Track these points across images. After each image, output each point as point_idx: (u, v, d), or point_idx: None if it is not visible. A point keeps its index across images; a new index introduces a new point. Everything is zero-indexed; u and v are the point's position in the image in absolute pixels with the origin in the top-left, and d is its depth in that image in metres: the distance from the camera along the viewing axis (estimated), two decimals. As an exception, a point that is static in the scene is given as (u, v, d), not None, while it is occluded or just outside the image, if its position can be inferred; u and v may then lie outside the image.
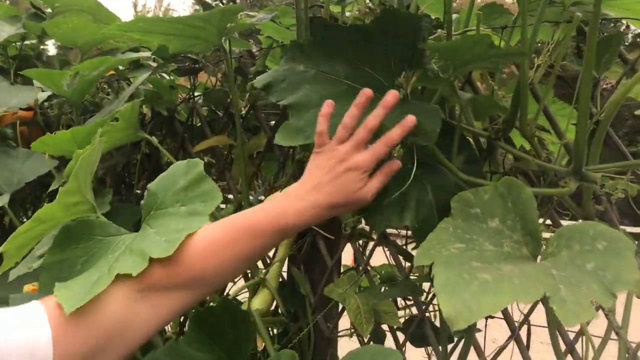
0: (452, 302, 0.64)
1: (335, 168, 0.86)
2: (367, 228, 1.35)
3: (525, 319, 1.06)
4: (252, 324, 0.95)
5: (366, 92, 0.88)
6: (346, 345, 1.37)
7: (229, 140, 1.49)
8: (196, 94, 1.67)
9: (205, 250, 0.83)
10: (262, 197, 1.43)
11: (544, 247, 0.77)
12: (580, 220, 0.96)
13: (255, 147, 1.50)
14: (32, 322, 0.73)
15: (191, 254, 0.82)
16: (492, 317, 1.06)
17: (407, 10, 1.10)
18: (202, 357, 0.97)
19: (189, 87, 1.68)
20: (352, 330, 1.28)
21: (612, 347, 0.96)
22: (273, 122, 1.62)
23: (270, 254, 1.38)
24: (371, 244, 1.42)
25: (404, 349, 1.21)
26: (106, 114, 1.42)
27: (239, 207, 1.43)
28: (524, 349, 1.05)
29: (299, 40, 1.18)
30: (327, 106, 0.90)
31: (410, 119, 0.86)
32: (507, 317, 1.07)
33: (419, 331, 1.19)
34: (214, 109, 1.70)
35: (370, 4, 1.30)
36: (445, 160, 0.92)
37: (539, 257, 0.76)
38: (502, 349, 1.07)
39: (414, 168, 0.87)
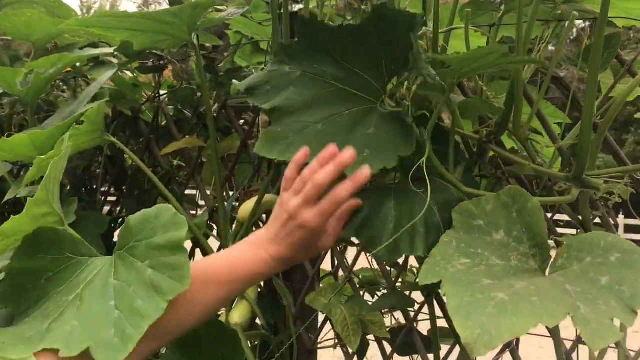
0: (469, 326, 0.60)
1: (288, 224, 0.85)
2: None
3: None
4: (240, 342, 0.89)
5: (331, 149, 0.82)
6: (326, 354, 1.32)
7: (200, 142, 1.41)
8: (161, 92, 1.58)
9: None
10: (236, 203, 1.36)
11: (553, 259, 0.73)
12: (579, 230, 0.93)
13: (228, 149, 1.42)
14: None
15: None
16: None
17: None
18: (184, 380, 0.91)
19: (153, 85, 1.59)
20: (336, 341, 1.23)
21: (612, 356, 0.94)
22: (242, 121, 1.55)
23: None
24: (350, 249, 1.37)
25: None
26: (66, 115, 1.32)
27: (212, 213, 1.36)
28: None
29: (278, 39, 1.12)
30: (302, 154, 0.85)
31: (364, 171, 0.82)
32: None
33: (406, 340, 1.15)
34: (180, 108, 1.62)
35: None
36: (450, 176, 0.86)
37: (547, 270, 0.72)
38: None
39: (429, 193, 0.80)
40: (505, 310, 0.62)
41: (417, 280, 0.71)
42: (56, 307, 0.80)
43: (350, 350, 1.17)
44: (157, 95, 1.56)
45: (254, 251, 0.86)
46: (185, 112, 1.62)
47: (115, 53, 1.43)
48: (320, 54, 0.92)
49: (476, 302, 0.63)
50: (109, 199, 1.67)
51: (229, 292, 0.84)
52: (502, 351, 1.07)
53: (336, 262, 1.48)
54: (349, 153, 0.81)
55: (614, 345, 0.96)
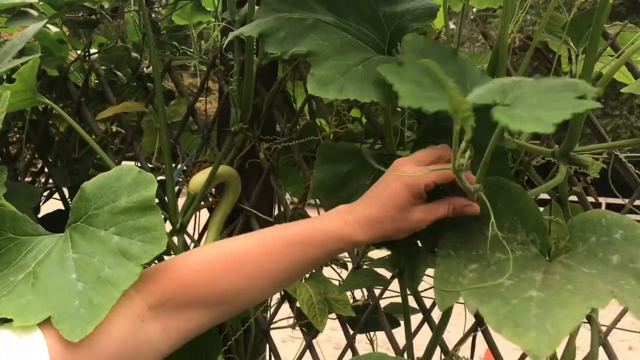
0: (522, 333, 0.55)
1: (384, 178, 0.74)
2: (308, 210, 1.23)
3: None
4: (216, 331, 0.81)
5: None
6: (276, 335, 1.26)
7: (140, 107, 1.29)
8: (92, 50, 1.43)
9: (228, 264, 0.68)
10: (181, 178, 1.25)
11: (554, 242, 0.70)
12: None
13: (173, 115, 1.31)
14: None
15: (214, 266, 0.66)
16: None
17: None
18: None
19: (82, 42, 1.43)
20: (295, 321, 1.17)
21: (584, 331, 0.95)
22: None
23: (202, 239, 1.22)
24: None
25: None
26: (-16, 72, 1.15)
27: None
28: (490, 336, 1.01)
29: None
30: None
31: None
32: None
33: (371, 317, 1.12)
34: (112, 69, 1.47)
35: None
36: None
37: (550, 253, 0.70)
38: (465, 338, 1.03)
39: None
40: (549, 306, 0.58)
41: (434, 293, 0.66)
42: (2, 287, 0.68)
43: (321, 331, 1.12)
44: (87, 54, 1.41)
45: (331, 215, 0.75)
46: (117, 73, 1.48)
47: (39, 3, 1.27)
48: (314, 4, 0.83)
49: (515, 309, 0.58)
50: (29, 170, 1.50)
51: (305, 255, 0.72)
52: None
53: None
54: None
55: (586, 321, 0.97)
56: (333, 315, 1.16)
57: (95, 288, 0.64)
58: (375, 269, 1.03)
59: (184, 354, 0.82)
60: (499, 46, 0.89)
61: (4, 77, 1.35)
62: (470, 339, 1.08)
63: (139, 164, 1.32)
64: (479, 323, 1.01)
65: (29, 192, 1.09)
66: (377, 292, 1.13)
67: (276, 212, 1.30)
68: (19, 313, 0.63)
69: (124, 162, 1.38)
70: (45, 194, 1.39)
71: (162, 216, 0.70)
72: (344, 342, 1.15)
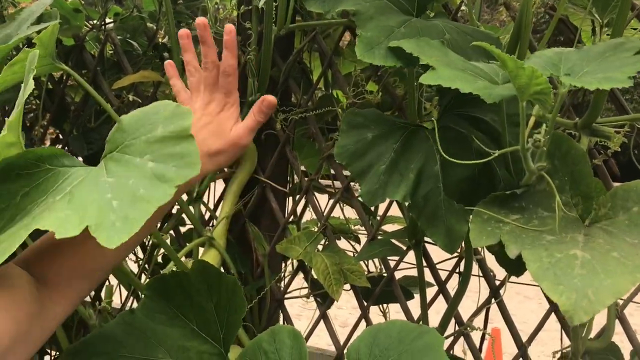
0: (563, 291, 0.55)
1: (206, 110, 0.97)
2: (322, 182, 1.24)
3: (504, 282, 1.02)
4: (240, 291, 0.81)
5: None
6: (292, 311, 1.27)
7: (157, 76, 1.29)
8: (107, 20, 1.42)
9: None
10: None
11: (595, 209, 0.70)
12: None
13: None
14: None
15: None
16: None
17: None
18: (170, 332, 0.82)
19: (96, 11, 1.42)
20: (309, 291, 1.18)
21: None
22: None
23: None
24: (320, 197, 1.32)
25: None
26: (1, 39, 1.15)
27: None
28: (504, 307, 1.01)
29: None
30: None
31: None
32: (486, 277, 1.03)
33: (385, 289, 1.12)
34: (128, 40, 1.46)
35: None
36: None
37: (588, 220, 0.70)
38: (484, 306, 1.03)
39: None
40: (594, 270, 0.58)
41: (471, 240, 0.66)
42: (43, 209, 0.69)
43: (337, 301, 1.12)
44: (103, 23, 1.40)
45: None
46: (133, 43, 1.47)
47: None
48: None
49: (559, 263, 0.59)
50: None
51: None
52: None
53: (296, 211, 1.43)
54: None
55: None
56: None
57: (131, 205, 0.65)
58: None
59: (208, 314, 0.83)
60: (521, 18, 0.88)
61: (20, 46, 1.35)
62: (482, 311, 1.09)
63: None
64: (495, 295, 1.01)
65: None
66: (391, 264, 1.13)
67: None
68: (59, 224, 0.63)
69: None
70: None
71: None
72: (350, 320, 1.16)
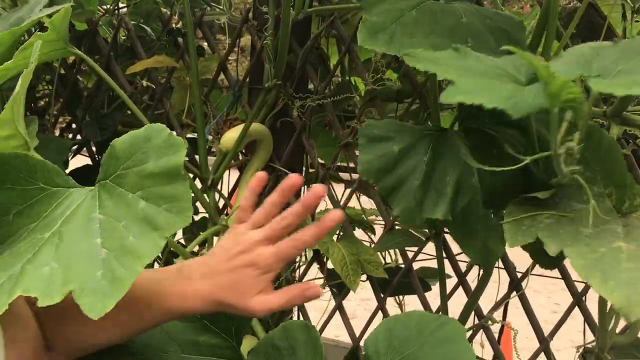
0: (614, 288, 0.53)
1: (237, 258, 0.71)
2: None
3: (526, 274, 1.00)
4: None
5: (293, 179, 0.70)
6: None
7: (172, 62, 1.26)
8: (120, 5, 1.40)
9: None
10: (211, 136, 1.23)
11: (629, 199, 0.67)
12: None
13: (204, 71, 1.28)
14: None
15: None
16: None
17: None
18: (181, 326, 0.80)
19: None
20: (324, 281, 1.16)
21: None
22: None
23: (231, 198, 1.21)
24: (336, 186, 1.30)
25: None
26: (14, 22, 1.14)
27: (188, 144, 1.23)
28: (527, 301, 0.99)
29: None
30: (257, 181, 0.74)
31: (332, 216, 0.68)
32: (508, 269, 1.00)
33: (404, 281, 1.10)
34: (142, 24, 1.44)
35: None
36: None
37: (624, 209, 0.67)
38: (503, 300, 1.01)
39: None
40: None
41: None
42: (30, 246, 0.67)
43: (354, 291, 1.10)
44: (116, 7, 1.38)
45: (177, 282, 0.72)
46: (147, 29, 1.45)
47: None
48: None
49: (604, 258, 0.56)
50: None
51: (137, 323, 0.72)
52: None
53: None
54: (316, 194, 0.67)
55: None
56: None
57: (119, 258, 0.63)
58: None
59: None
60: (549, 4, 0.85)
61: (33, 30, 1.33)
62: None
63: (170, 124, 1.30)
64: (516, 288, 0.99)
65: (58, 145, 1.08)
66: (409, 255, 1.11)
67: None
68: (43, 288, 0.62)
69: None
70: (76, 148, 1.38)
71: (188, 184, 0.68)
72: (358, 311, 1.14)
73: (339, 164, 1.27)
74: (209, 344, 0.79)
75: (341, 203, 1.15)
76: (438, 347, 0.64)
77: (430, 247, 1.14)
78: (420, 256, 1.14)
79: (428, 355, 0.64)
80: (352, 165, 1.26)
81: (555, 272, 0.99)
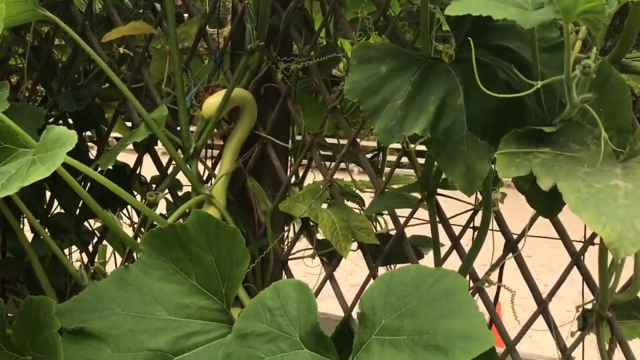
0: (606, 223, 0.50)
1: None
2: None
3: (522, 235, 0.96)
4: (241, 242, 0.75)
5: None
6: (295, 269, 1.22)
7: (149, 28, 1.21)
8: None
9: None
10: (192, 104, 1.19)
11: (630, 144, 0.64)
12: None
13: (184, 36, 1.23)
14: None
15: None
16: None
17: None
18: (168, 288, 0.76)
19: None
20: (314, 251, 1.12)
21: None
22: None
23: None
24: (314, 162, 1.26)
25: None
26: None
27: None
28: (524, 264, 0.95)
29: None
30: None
31: None
32: (503, 230, 0.97)
33: (396, 249, 1.07)
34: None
35: None
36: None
37: (624, 155, 0.64)
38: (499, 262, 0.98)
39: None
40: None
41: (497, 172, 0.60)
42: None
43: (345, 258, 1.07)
44: (90, -25, 1.32)
45: None
46: (122, -2, 1.40)
47: None
48: None
49: (600, 194, 0.53)
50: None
51: None
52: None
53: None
54: None
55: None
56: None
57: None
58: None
59: (208, 268, 0.77)
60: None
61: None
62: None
63: (148, 93, 1.25)
64: (512, 249, 0.96)
65: (32, 113, 1.03)
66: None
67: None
68: None
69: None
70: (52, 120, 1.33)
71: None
72: (345, 285, 1.10)
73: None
74: (198, 306, 0.75)
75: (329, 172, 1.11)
76: (437, 301, 0.61)
77: (422, 213, 1.11)
78: (412, 225, 1.10)
79: (427, 309, 0.60)
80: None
81: (553, 232, 0.96)
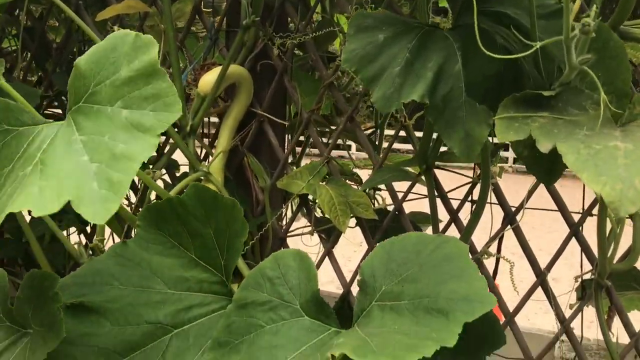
0: (606, 182, 0.50)
1: None
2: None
3: (521, 206, 0.96)
4: (240, 213, 0.75)
5: None
6: (295, 246, 1.22)
7: (144, 6, 1.20)
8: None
9: None
10: (190, 78, 1.18)
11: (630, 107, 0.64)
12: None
13: (179, 14, 1.22)
14: None
15: None
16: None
17: None
18: (166, 262, 0.76)
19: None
20: (313, 228, 1.12)
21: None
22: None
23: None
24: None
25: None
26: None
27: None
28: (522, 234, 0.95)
29: None
30: None
31: None
32: (502, 202, 0.97)
33: (394, 225, 1.06)
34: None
35: None
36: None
37: (623, 119, 0.63)
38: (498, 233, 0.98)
39: None
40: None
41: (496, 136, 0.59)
42: (13, 185, 0.63)
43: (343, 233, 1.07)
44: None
45: None
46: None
47: None
48: None
49: (599, 154, 0.53)
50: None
51: None
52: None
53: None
54: None
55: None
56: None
57: (111, 165, 0.59)
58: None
59: (207, 241, 0.76)
60: None
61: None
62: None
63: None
64: (510, 221, 0.96)
65: (26, 92, 1.01)
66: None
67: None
68: (33, 203, 0.58)
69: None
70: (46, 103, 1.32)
71: (168, 78, 0.64)
72: (341, 262, 1.10)
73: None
74: (198, 279, 0.75)
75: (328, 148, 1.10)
76: (438, 266, 0.61)
77: (420, 190, 1.11)
78: (411, 200, 1.10)
79: (428, 274, 0.60)
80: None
81: (552, 205, 0.96)
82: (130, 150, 0.60)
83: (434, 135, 0.87)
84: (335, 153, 1.11)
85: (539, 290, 0.94)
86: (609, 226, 0.84)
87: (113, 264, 0.77)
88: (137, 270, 0.76)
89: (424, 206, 1.14)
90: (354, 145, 2.01)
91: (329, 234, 1.12)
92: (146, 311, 0.74)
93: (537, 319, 3.50)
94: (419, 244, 0.64)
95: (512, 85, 0.66)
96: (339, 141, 1.16)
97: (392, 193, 1.05)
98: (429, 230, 1.14)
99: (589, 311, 1.06)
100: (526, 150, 0.64)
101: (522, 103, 0.62)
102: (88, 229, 1.32)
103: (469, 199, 1.03)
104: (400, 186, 1.06)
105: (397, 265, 0.63)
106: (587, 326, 1.12)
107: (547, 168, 0.66)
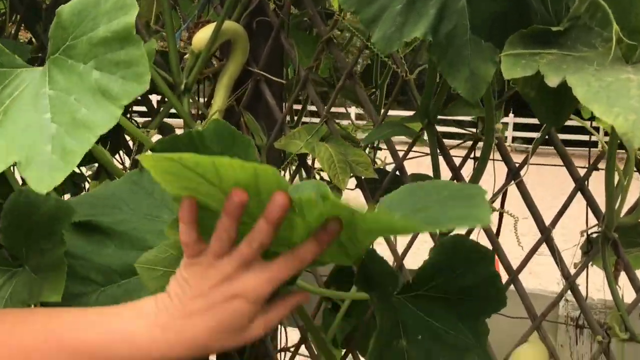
0: (619, 113, 0.48)
1: (217, 290, 0.58)
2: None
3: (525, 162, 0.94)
4: (252, 147, 0.72)
5: (236, 196, 0.54)
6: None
7: (136, -36, 1.16)
8: None
9: None
10: (184, 37, 1.15)
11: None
12: None
13: (172, -28, 1.18)
14: None
15: None
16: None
17: None
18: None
19: None
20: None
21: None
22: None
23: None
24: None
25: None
26: None
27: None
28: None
29: None
30: (186, 210, 0.59)
31: (333, 226, 0.55)
32: (505, 158, 0.94)
33: (393, 186, 1.04)
34: None
35: None
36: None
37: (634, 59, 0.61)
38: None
39: None
40: None
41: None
42: None
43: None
44: None
45: (140, 318, 0.59)
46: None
47: None
48: None
49: (611, 86, 0.51)
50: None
51: None
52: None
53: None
54: (279, 205, 0.53)
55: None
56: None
57: (70, 131, 0.60)
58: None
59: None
60: None
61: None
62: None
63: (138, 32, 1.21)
64: (514, 177, 0.93)
65: (16, 48, 0.98)
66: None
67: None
68: None
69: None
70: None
71: (143, 47, 0.63)
72: None
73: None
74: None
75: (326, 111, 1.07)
76: (456, 200, 0.57)
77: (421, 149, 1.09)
78: (412, 158, 1.08)
79: (443, 206, 0.57)
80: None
81: (557, 160, 0.94)
82: (91, 119, 0.60)
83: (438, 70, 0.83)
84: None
85: (544, 246, 0.92)
86: (617, 177, 0.82)
87: (126, 189, 0.80)
88: (148, 198, 0.79)
89: (424, 169, 1.12)
90: (353, 114, 1.98)
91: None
92: (151, 238, 0.76)
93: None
94: (443, 188, 0.60)
95: (519, 22, 0.63)
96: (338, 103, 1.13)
97: (393, 151, 1.02)
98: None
99: (594, 272, 1.04)
100: (533, 92, 0.62)
101: (529, 40, 0.60)
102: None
103: (472, 156, 1.01)
104: (401, 148, 1.04)
105: (415, 200, 0.61)
106: (592, 288, 1.10)
107: (555, 110, 0.64)
